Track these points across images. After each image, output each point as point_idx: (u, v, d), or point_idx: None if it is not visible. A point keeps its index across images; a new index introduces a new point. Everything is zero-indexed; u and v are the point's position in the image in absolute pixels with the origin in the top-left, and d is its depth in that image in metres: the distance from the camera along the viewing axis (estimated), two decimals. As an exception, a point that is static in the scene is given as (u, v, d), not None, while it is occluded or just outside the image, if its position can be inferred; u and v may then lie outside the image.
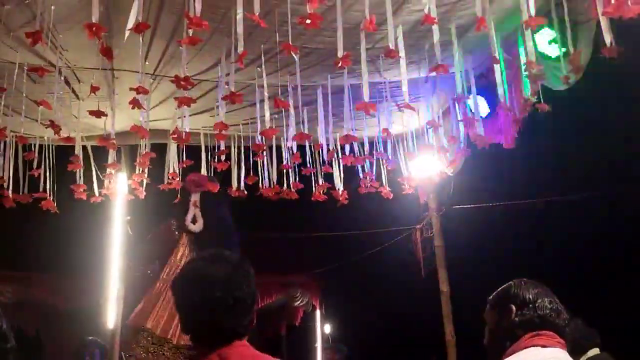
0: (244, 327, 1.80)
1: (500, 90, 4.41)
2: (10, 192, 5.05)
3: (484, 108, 5.16)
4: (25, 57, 4.33)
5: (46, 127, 4.27)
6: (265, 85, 4.30)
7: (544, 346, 1.97)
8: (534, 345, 1.96)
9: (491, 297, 2.22)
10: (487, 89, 4.98)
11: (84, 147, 5.30)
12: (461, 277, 6.96)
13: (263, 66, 4.27)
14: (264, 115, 4.39)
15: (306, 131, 5.07)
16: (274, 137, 5.25)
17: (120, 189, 5.75)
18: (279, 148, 5.52)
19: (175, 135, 4.46)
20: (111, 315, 5.72)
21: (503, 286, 2.19)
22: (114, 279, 5.84)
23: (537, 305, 2.04)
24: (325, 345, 5.54)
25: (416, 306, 9.71)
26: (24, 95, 4.36)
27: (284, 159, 5.45)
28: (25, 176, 5.14)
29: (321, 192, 5.50)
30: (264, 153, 5.32)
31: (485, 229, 8.42)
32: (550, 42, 4.29)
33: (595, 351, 4.70)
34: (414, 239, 7.47)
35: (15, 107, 4.51)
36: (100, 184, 5.50)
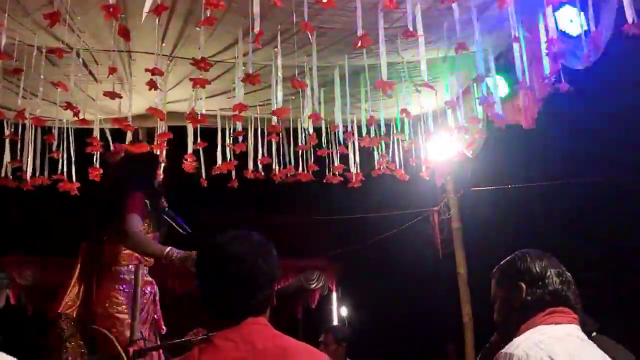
0: (258, 303, 1.82)
1: (519, 70, 4.35)
2: (28, 175, 5.07)
3: (503, 88, 5.09)
4: (43, 40, 4.35)
5: (65, 110, 4.29)
6: (279, 65, 4.27)
7: (558, 323, 1.94)
8: (547, 324, 1.94)
9: (496, 271, 2.16)
10: (506, 68, 4.92)
11: (102, 130, 5.32)
12: (478, 259, 6.92)
13: (279, 46, 4.24)
14: (280, 97, 4.37)
15: (322, 112, 5.03)
16: (290, 119, 5.25)
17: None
18: (295, 130, 5.49)
19: (191, 117, 4.45)
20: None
21: (507, 260, 2.13)
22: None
23: (547, 280, 2.00)
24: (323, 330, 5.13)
25: (433, 288, 9.70)
26: (42, 77, 4.37)
27: (299, 141, 5.42)
28: (44, 159, 5.15)
29: (336, 173, 5.48)
30: (280, 135, 5.30)
31: (504, 211, 8.36)
32: (571, 20, 4.22)
33: None
34: (432, 221, 7.45)
35: (33, 89, 4.53)
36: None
